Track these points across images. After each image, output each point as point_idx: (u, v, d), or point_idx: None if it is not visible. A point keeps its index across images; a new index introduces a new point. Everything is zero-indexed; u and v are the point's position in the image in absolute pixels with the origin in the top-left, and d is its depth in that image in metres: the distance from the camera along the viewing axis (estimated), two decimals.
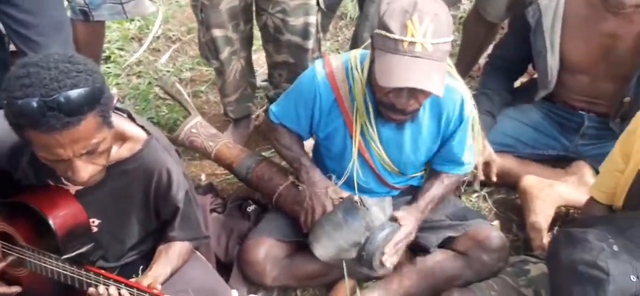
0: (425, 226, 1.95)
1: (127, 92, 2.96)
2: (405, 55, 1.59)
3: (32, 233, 1.58)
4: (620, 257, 1.42)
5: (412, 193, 2.00)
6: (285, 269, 1.97)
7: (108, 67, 3.10)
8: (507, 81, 2.39)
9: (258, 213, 2.17)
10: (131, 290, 1.50)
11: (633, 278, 1.41)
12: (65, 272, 1.56)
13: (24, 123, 1.33)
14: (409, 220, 1.87)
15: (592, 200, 1.81)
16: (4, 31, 2.13)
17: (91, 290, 1.53)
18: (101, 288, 1.51)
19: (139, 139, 1.58)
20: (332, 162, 1.99)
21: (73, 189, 1.59)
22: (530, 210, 2.09)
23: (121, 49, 3.25)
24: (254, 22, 2.38)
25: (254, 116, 2.72)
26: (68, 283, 1.56)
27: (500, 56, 2.40)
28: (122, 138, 1.57)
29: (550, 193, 2.11)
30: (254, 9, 2.33)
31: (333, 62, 1.86)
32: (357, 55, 1.85)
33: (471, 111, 1.87)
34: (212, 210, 2.15)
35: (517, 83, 2.51)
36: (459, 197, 2.21)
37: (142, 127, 1.61)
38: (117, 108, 1.60)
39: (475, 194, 2.31)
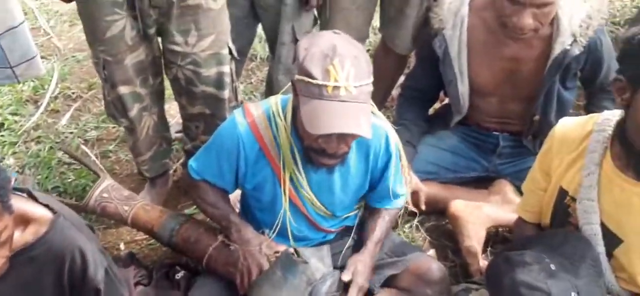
0: None
1: (27, 161, 2.73)
2: (331, 101, 1.57)
3: None
4: (558, 276, 1.46)
5: (348, 234, 1.98)
6: None
7: (2, 136, 2.85)
8: (421, 110, 2.46)
9: (188, 279, 2.03)
10: None
11: (573, 294, 1.46)
12: None
13: None
14: (362, 274, 1.84)
15: (520, 220, 1.86)
16: None
17: None
18: None
19: (44, 220, 1.45)
20: (262, 213, 1.93)
21: None
22: (463, 234, 2.13)
23: (15, 114, 3.01)
24: (164, 75, 2.28)
25: (171, 171, 2.58)
26: None
27: (411, 87, 2.46)
28: (24, 221, 1.43)
29: (480, 215, 2.17)
30: (162, 62, 2.23)
31: (254, 111, 1.81)
32: (277, 101, 1.82)
33: (396, 144, 1.88)
34: (137, 284, 2.01)
35: (431, 111, 2.57)
36: (394, 229, 2.21)
37: (46, 206, 1.48)
38: (15, 189, 1.46)
39: (408, 224, 2.32)
